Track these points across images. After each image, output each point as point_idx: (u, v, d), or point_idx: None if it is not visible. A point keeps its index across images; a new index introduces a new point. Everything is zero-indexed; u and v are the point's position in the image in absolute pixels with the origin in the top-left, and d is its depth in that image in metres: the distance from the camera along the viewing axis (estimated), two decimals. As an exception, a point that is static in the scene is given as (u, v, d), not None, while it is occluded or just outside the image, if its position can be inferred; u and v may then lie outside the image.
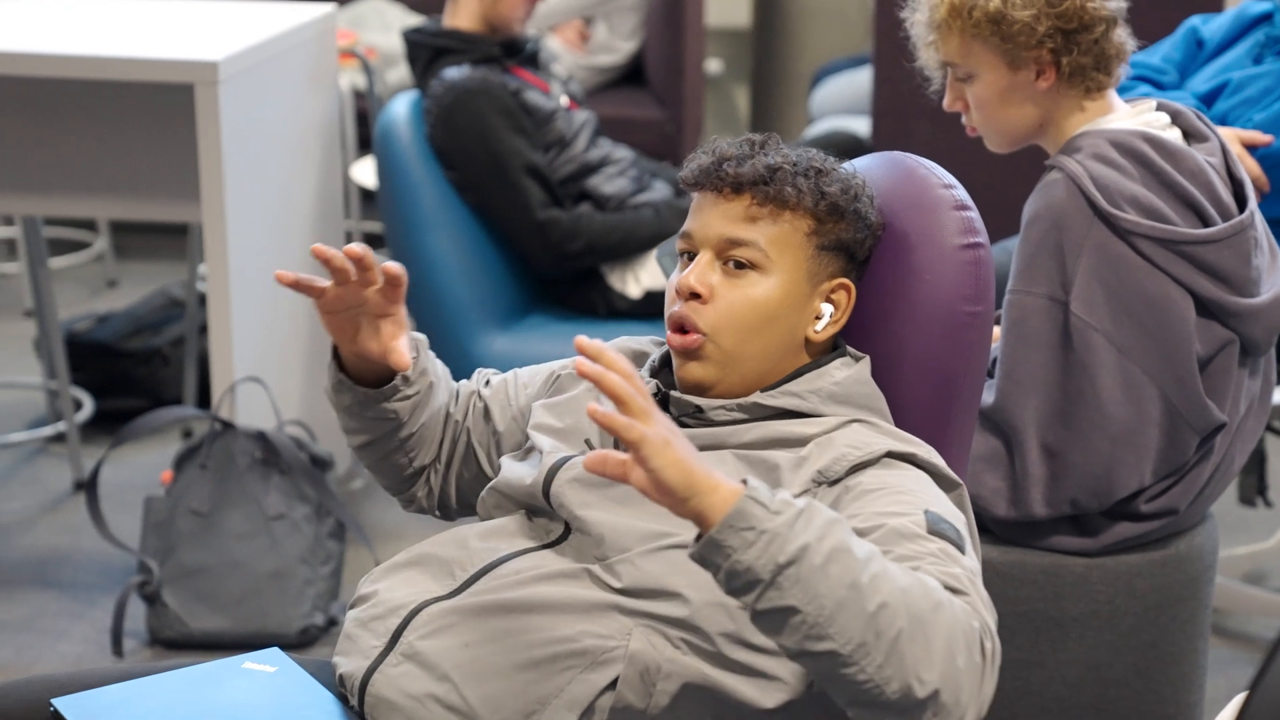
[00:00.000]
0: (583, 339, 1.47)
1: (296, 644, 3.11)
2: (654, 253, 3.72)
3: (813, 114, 4.88)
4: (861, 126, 4.41)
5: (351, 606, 1.86)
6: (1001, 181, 3.40)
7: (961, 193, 1.89)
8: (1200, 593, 2.39)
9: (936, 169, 1.92)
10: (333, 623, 3.15)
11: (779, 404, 1.79)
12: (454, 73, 3.73)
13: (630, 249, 3.71)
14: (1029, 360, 2.23)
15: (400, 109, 3.84)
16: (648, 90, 5.20)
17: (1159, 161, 2.23)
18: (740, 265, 1.80)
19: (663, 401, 1.83)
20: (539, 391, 1.95)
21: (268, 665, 1.84)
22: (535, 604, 1.72)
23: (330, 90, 3.76)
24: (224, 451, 3.19)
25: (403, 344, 1.79)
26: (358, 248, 1.72)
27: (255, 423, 3.26)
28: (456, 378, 3.81)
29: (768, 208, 1.80)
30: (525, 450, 1.89)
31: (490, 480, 1.89)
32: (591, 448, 1.83)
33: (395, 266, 1.74)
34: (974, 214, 1.89)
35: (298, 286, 1.73)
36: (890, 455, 1.71)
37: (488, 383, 2.00)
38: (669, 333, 1.82)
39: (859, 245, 1.84)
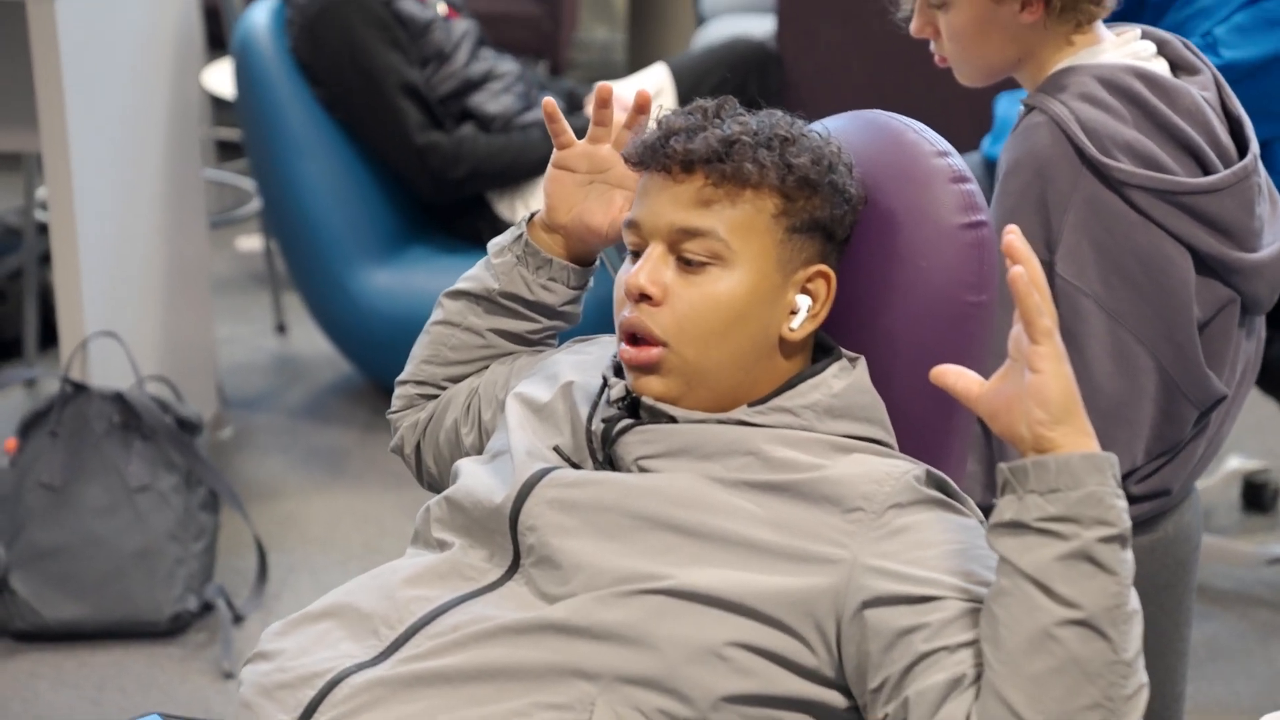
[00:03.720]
0: (1014, 239, 1.35)
1: (167, 631, 2.80)
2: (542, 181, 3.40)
3: (704, 13, 4.55)
4: (756, 26, 4.11)
5: (248, 663, 1.56)
6: (919, 91, 3.13)
7: (958, 161, 1.61)
8: (1188, 576, 2.16)
9: (927, 132, 1.64)
10: (208, 607, 2.84)
11: (769, 421, 1.52)
12: (319, -23, 3.37)
13: (518, 174, 3.39)
14: (1008, 327, 1.96)
15: (260, 18, 3.47)
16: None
17: (1153, 100, 1.96)
18: (696, 260, 1.51)
19: (632, 406, 1.55)
20: (523, 369, 1.74)
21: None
22: (479, 670, 1.44)
23: (182, -5, 3.38)
24: (77, 416, 2.84)
25: None
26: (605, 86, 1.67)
27: (111, 381, 2.92)
28: (334, 317, 3.54)
29: (724, 188, 1.51)
30: (491, 454, 1.62)
31: (455, 441, 1.74)
32: (562, 455, 1.57)
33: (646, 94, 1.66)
34: (974, 187, 1.61)
35: (552, 120, 1.68)
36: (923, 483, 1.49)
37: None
38: (621, 344, 1.54)
39: (837, 223, 1.56)
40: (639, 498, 1.49)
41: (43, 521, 2.80)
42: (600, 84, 1.66)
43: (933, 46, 2.06)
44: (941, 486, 1.50)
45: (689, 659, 1.43)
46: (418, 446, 1.78)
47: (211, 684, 2.70)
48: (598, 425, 1.56)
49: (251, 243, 4.45)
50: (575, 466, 1.56)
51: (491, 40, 3.65)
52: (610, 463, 1.55)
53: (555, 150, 1.70)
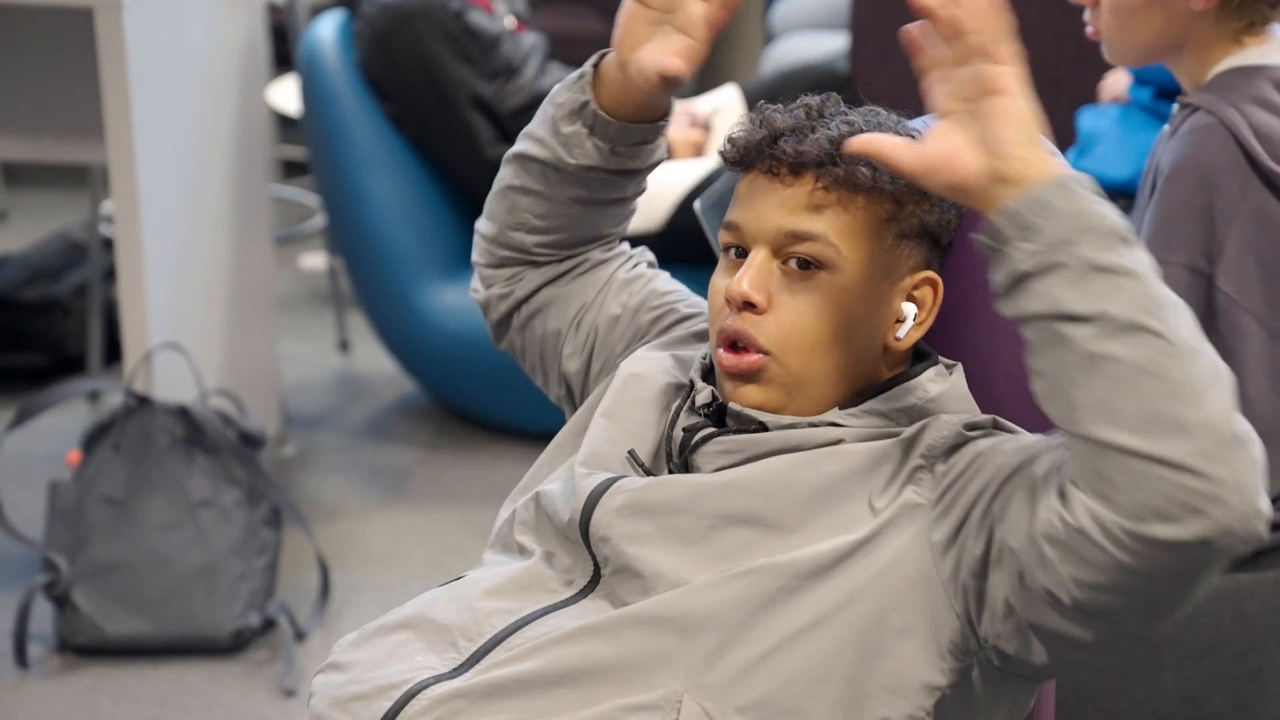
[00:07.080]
0: None
1: (229, 648, 2.75)
2: None
3: (772, 30, 4.50)
4: (825, 43, 4.06)
5: (319, 673, 1.50)
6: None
7: (1062, 161, 1.54)
8: (1314, 615, 2.06)
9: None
10: (270, 624, 2.79)
11: (861, 424, 1.46)
12: (388, -10, 3.34)
13: (588, 188, 3.33)
14: None
15: (326, 31, 3.44)
16: (587, 2, 4.81)
17: None
18: (805, 264, 1.45)
19: (719, 413, 1.49)
20: (648, 327, 1.65)
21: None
22: (561, 675, 1.39)
23: (251, 6, 3.35)
24: (140, 430, 2.81)
25: (681, 68, 1.48)
26: None
27: (174, 394, 2.88)
28: (400, 335, 3.49)
29: (836, 192, 1.45)
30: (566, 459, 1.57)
31: (554, 350, 1.66)
32: (637, 461, 1.50)
33: None
34: (1081, 186, 1.54)
35: None
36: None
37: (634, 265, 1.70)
38: (720, 350, 1.48)
39: (945, 228, 1.50)
40: (712, 495, 1.43)
41: (105, 536, 2.77)
42: None
43: (1087, 15, 1.97)
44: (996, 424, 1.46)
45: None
46: (508, 317, 1.70)
47: (273, 701, 2.65)
48: (678, 432, 1.50)
49: (314, 260, 4.42)
50: (651, 474, 1.50)
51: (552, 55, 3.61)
52: (686, 471, 1.49)
53: None
